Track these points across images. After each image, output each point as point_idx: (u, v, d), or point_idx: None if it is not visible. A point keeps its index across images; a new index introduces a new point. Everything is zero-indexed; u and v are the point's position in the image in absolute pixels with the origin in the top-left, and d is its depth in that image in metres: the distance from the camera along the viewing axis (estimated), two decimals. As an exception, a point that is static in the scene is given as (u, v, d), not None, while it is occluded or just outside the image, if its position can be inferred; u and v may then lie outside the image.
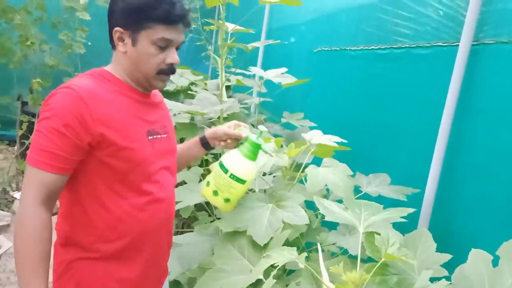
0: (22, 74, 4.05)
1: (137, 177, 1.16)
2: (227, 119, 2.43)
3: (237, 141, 1.38)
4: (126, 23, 1.15)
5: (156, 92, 1.34)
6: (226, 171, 1.31)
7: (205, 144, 1.44)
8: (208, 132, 1.43)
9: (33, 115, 3.79)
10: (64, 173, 1.08)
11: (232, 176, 1.30)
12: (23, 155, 3.80)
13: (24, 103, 4.15)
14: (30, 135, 3.73)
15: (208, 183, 1.37)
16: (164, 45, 1.16)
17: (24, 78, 4.21)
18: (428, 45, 1.76)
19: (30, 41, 3.40)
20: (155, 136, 1.22)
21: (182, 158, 1.47)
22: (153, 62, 1.16)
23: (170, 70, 1.20)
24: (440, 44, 1.69)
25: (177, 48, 1.21)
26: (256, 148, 1.33)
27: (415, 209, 1.20)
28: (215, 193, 1.34)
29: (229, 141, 1.38)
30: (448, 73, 1.55)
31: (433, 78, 1.71)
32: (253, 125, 2.49)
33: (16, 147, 4.15)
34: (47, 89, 3.68)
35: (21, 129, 3.81)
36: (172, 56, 1.18)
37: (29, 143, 3.69)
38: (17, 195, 3.47)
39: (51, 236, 1.07)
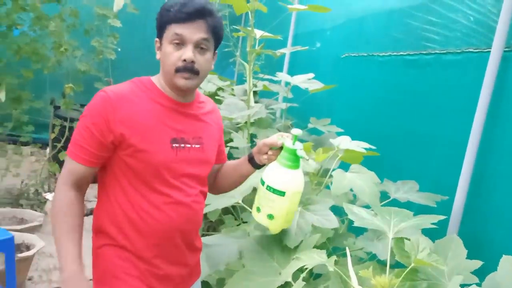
0: (55, 79, 4.18)
1: (155, 179, 1.23)
2: (253, 124, 2.46)
3: (279, 152, 1.27)
4: (157, 32, 1.27)
5: (201, 105, 1.37)
6: (263, 183, 1.23)
7: (252, 160, 1.37)
8: (254, 148, 1.36)
9: (65, 119, 3.90)
10: (89, 165, 1.22)
11: (269, 188, 1.21)
12: (54, 158, 3.91)
13: (57, 107, 4.29)
14: (62, 138, 3.85)
15: (258, 208, 1.28)
16: (178, 42, 1.20)
17: (56, 83, 4.35)
18: (459, 51, 1.75)
19: (64, 47, 3.50)
20: (181, 145, 1.27)
21: (231, 176, 1.47)
22: (170, 60, 1.22)
23: (187, 67, 1.21)
24: (471, 50, 1.68)
25: (202, 48, 1.23)
26: (292, 155, 1.21)
27: (445, 216, 1.19)
28: (258, 209, 1.26)
29: (270, 152, 1.30)
30: (479, 80, 1.54)
31: (463, 84, 1.70)
32: (279, 130, 2.51)
33: (48, 150, 4.29)
34: (78, 93, 3.79)
35: (53, 132, 3.93)
36: (186, 53, 1.20)
37: (61, 146, 3.80)
38: (49, 196, 3.57)
39: (81, 212, 1.23)
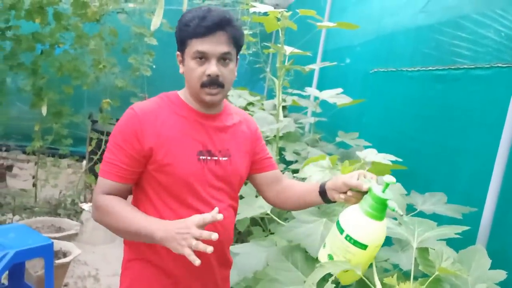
0: (92, 94, 4.37)
1: (183, 193, 1.24)
2: (282, 137, 2.51)
3: (361, 195, 1.10)
4: (178, 46, 1.28)
5: (229, 117, 1.36)
6: (342, 231, 1.06)
7: (323, 193, 1.24)
8: (329, 181, 1.23)
9: (102, 133, 4.06)
10: (121, 181, 1.23)
11: (349, 238, 1.04)
12: (91, 170, 4.07)
13: (94, 121, 4.47)
14: (98, 151, 4.01)
15: (324, 245, 1.14)
16: (200, 58, 1.20)
17: (94, 98, 4.55)
18: (488, 66, 1.75)
19: (102, 64, 3.68)
20: (208, 158, 1.27)
21: (294, 200, 1.37)
22: (195, 76, 1.22)
23: (211, 82, 1.21)
24: (500, 65, 1.68)
25: (224, 60, 1.22)
26: (380, 205, 1.03)
27: (469, 227, 1.19)
28: (330, 257, 1.10)
29: (349, 193, 1.13)
30: (508, 94, 1.53)
31: (492, 98, 1.69)
32: (307, 144, 2.55)
33: (84, 162, 4.46)
34: (115, 108, 3.95)
35: (91, 145, 4.10)
36: (210, 68, 1.20)
37: (97, 159, 3.94)
38: (85, 206, 3.71)
39: (122, 203, 1.21)
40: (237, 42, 1.24)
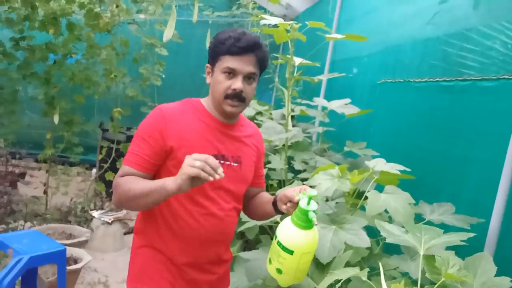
0: (103, 103, 4.44)
1: (195, 190, 1.31)
2: (291, 147, 2.54)
3: (295, 207, 1.23)
4: (210, 59, 1.41)
5: (243, 128, 1.49)
6: (276, 237, 1.21)
7: (275, 204, 1.40)
8: (279, 194, 1.37)
9: (112, 141, 4.12)
10: (142, 170, 1.35)
11: (279, 244, 1.19)
12: (101, 178, 4.12)
13: (105, 130, 4.53)
14: (109, 159, 4.06)
15: (269, 259, 1.27)
16: (230, 73, 1.34)
17: (104, 107, 4.61)
18: (494, 77, 1.77)
19: (113, 74, 3.75)
20: (221, 161, 1.39)
21: (259, 209, 1.54)
22: (220, 88, 1.36)
23: (235, 95, 1.35)
24: (507, 76, 1.70)
25: (249, 78, 1.36)
26: (304, 215, 1.15)
27: (475, 234, 1.22)
28: (269, 260, 1.25)
29: (288, 204, 1.29)
30: (515, 105, 1.56)
31: (498, 109, 1.72)
32: (315, 153, 2.58)
33: (94, 170, 4.52)
34: (126, 117, 4.01)
35: (101, 153, 4.15)
36: (236, 83, 1.33)
37: (107, 167, 4.00)
38: (95, 213, 3.76)
39: (139, 178, 1.32)
40: (262, 64, 1.39)
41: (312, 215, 1.15)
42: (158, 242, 1.42)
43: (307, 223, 1.16)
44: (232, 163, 1.43)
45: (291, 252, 1.16)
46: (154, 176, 1.39)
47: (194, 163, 1.13)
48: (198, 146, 1.36)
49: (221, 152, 1.41)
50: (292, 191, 1.28)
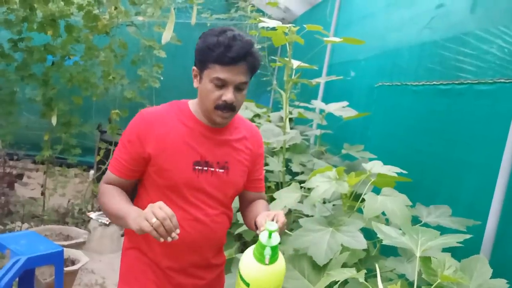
0: (101, 105, 4.44)
1: (176, 195, 1.35)
2: (289, 149, 2.55)
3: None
4: (197, 63, 1.33)
5: (235, 131, 1.43)
6: (239, 266, 1.15)
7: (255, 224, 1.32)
8: (259, 215, 1.30)
9: (110, 143, 4.12)
10: (123, 177, 1.37)
11: (239, 273, 1.14)
12: (98, 179, 4.12)
13: (103, 132, 4.53)
14: (106, 161, 4.06)
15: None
16: (220, 84, 1.27)
17: (102, 109, 4.61)
18: (491, 81, 1.79)
19: (112, 76, 3.75)
20: (205, 168, 1.36)
21: (246, 218, 1.50)
22: (210, 98, 1.29)
23: (226, 106, 1.28)
24: (503, 80, 1.72)
25: (240, 88, 1.29)
26: (262, 249, 1.08)
27: (471, 235, 1.23)
28: (236, 285, 1.19)
29: (258, 231, 1.23)
30: (511, 109, 1.57)
31: (495, 113, 1.73)
32: (313, 156, 2.59)
33: (91, 172, 4.51)
34: (124, 119, 4.00)
35: (99, 155, 4.15)
36: (227, 95, 1.27)
37: (105, 168, 4.00)
38: (92, 215, 3.75)
39: (116, 191, 1.35)
40: (253, 70, 1.32)
41: (267, 252, 1.06)
42: (143, 245, 1.41)
43: (263, 258, 1.07)
44: (217, 169, 1.38)
45: (247, 284, 1.10)
46: (139, 181, 1.41)
47: (151, 218, 1.10)
48: (178, 152, 1.33)
49: (205, 158, 1.36)
50: (263, 218, 1.22)
